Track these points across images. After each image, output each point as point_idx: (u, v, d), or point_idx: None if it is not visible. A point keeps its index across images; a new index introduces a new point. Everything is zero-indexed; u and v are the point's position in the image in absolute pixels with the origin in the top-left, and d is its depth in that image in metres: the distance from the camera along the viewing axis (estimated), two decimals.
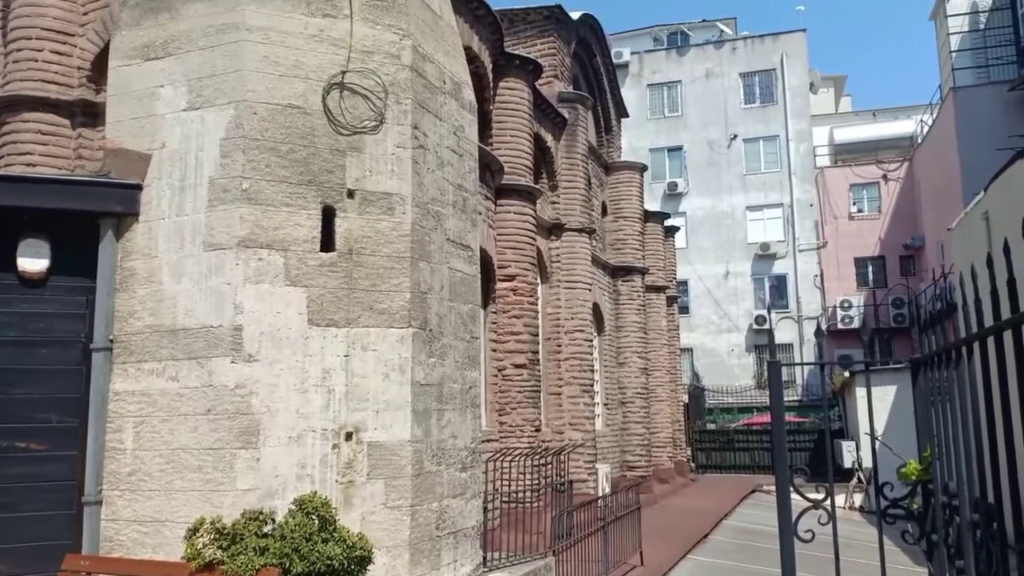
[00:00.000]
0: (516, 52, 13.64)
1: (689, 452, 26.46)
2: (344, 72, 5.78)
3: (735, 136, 33.08)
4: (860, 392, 20.65)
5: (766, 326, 30.49)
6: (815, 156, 32.84)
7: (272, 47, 5.61)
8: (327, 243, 5.61)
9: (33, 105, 8.11)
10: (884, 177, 31.44)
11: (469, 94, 7.16)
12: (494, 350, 12.25)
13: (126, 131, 5.73)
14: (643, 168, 21.26)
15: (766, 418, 27.32)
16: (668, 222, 24.14)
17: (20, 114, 8.12)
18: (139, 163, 5.62)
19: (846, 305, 30.45)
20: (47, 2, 8.33)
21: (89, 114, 8.24)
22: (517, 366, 12.41)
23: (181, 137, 5.57)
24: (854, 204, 32.01)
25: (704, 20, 37.22)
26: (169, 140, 5.60)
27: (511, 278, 12.52)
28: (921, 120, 29.88)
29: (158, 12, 5.82)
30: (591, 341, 15.87)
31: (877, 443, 4.16)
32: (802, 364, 21.72)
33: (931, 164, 27.08)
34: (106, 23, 8.21)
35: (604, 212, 19.57)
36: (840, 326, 30.37)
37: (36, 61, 8.24)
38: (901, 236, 30.34)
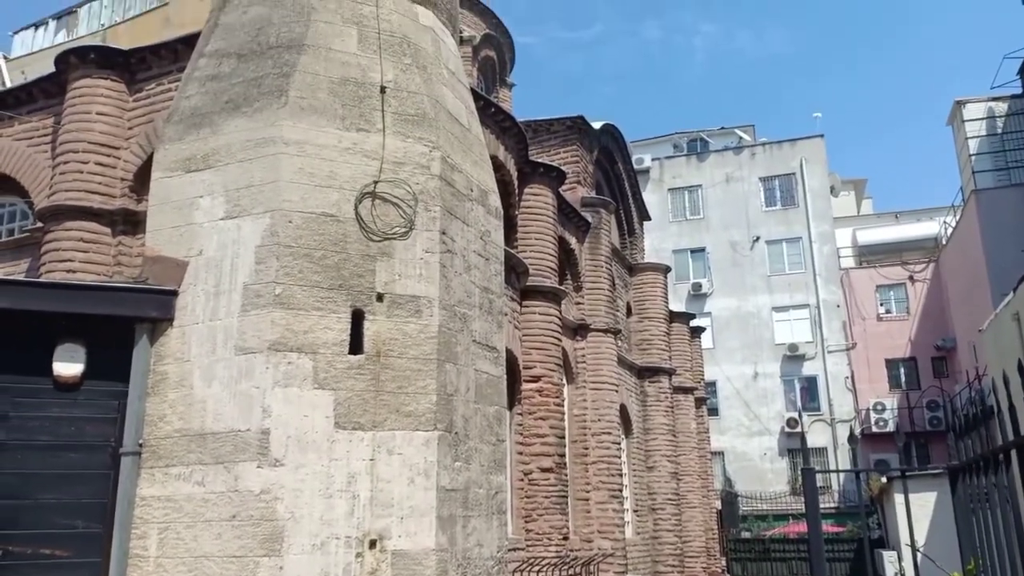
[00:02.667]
0: (540, 160, 14.06)
1: (724, 562, 25.41)
2: (376, 182, 5.99)
3: (758, 238, 33.34)
4: (899, 499, 19.90)
5: (798, 429, 29.78)
6: (839, 257, 32.91)
7: (308, 159, 5.86)
8: (355, 346, 5.68)
9: (76, 214, 8.45)
10: (910, 278, 31.32)
11: (495, 200, 7.36)
12: (520, 453, 12.08)
13: (165, 239, 5.94)
14: (667, 269, 21.42)
15: (803, 526, 26.31)
16: (694, 322, 24.07)
17: (63, 223, 8.46)
18: (176, 270, 5.79)
19: (879, 408, 29.78)
20: (95, 118, 8.81)
21: (129, 222, 8.56)
22: (544, 470, 12.19)
23: (218, 245, 5.76)
24: (881, 305, 31.78)
25: (723, 127, 38.19)
26: (206, 247, 5.79)
27: (537, 379, 12.47)
28: (944, 222, 30.00)
29: (200, 128, 6.13)
30: (619, 444, 15.59)
31: (919, 555, 4.00)
32: (838, 471, 21.09)
33: (957, 265, 26.99)
34: (150, 137, 8.64)
35: (629, 313, 19.60)
36: (875, 429, 29.59)
37: (81, 172, 8.64)
38: (932, 337, 29.92)
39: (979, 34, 67.09)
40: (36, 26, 21.64)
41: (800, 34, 72.93)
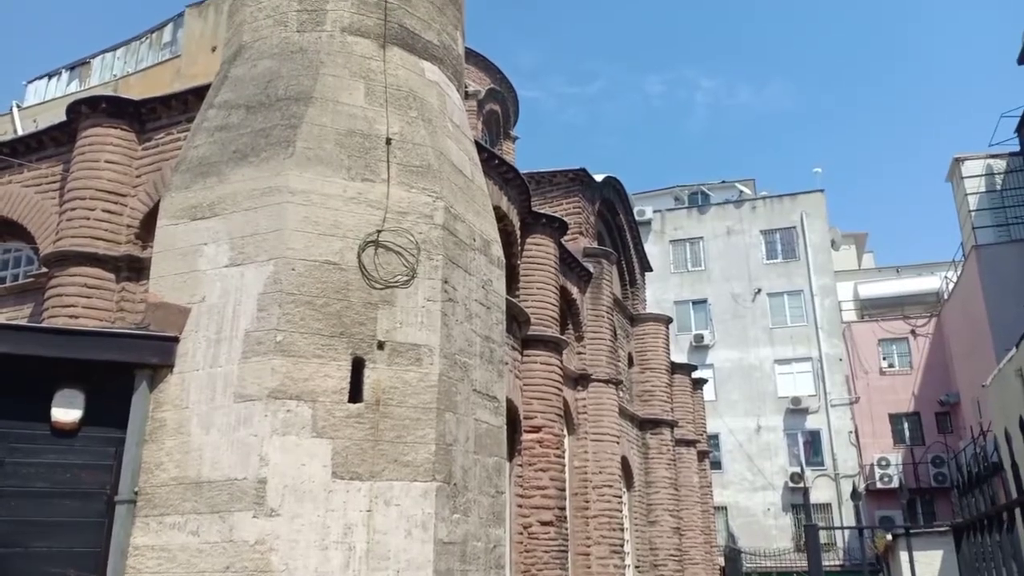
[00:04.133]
0: (543, 211, 14.19)
1: None
2: (379, 231, 6.04)
3: (759, 290, 33.39)
4: (904, 557, 19.53)
5: (802, 484, 29.38)
6: (841, 311, 32.90)
7: (313, 208, 5.92)
8: (355, 394, 5.65)
9: (81, 260, 8.51)
10: (913, 332, 31.27)
11: (498, 250, 7.41)
12: (519, 506, 11.92)
13: (168, 286, 5.97)
14: (668, 320, 21.41)
15: None
16: (696, 374, 23.96)
17: (68, 268, 8.51)
18: (178, 316, 5.81)
19: (884, 463, 29.43)
20: (104, 166, 8.93)
21: (134, 268, 8.61)
22: (543, 523, 12.01)
23: (221, 292, 5.78)
24: (884, 359, 31.66)
25: (723, 181, 38.59)
26: (209, 294, 5.81)
27: (537, 429, 12.37)
28: (945, 276, 30.07)
29: (207, 176, 6.21)
30: (620, 497, 15.39)
31: None
32: (842, 528, 20.74)
33: (959, 320, 26.96)
34: (157, 185, 8.74)
35: (631, 363, 19.53)
36: (879, 485, 29.20)
37: (88, 219, 8.73)
38: (935, 392, 29.73)
39: (976, 92, 68.19)
40: (49, 76, 22.07)
41: (800, 90, 74.18)
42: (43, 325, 7.87)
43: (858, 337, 31.93)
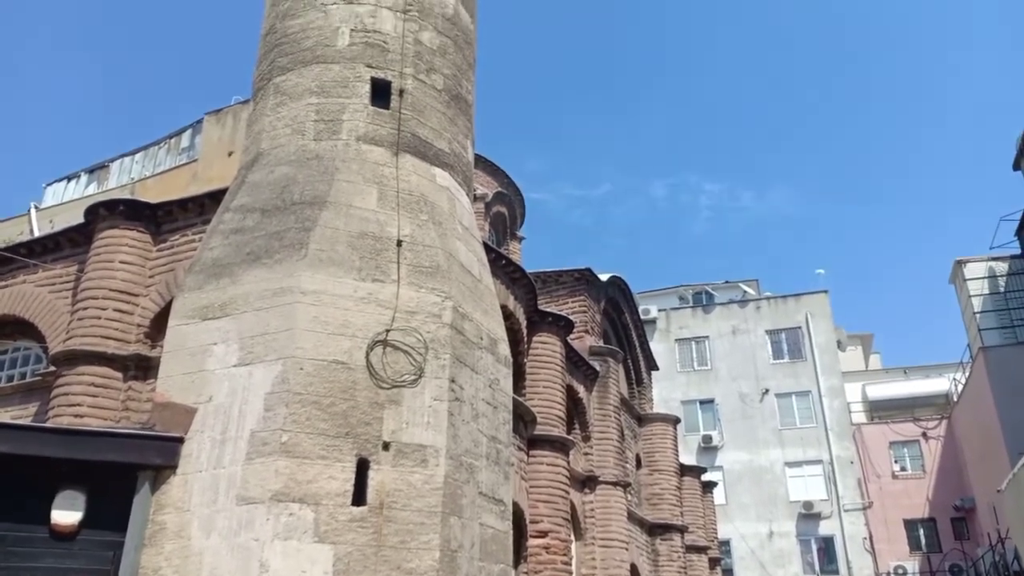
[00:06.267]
0: (549, 310, 14.28)
1: None
2: (388, 330, 6.09)
3: (767, 390, 33.08)
4: None
5: None
6: (850, 412, 32.49)
7: (323, 308, 5.99)
8: (359, 497, 5.56)
9: (90, 359, 8.55)
10: (924, 435, 30.77)
11: (504, 349, 7.43)
12: None
13: (176, 385, 5.98)
14: (676, 420, 21.14)
15: None
16: (705, 476, 23.45)
17: (76, 367, 8.54)
18: (184, 416, 5.79)
19: (900, 571, 28.39)
20: (118, 266, 9.10)
21: (142, 367, 8.64)
22: None
23: (228, 391, 5.79)
24: (896, 462, 31.03)
25: (727, 281, 38.86)
26: (216, 394, 5.81)
27: (544, 534, 12.04)
28: (954, 378, 29.83)
29: (220, 277, 6.32)
30: None
31: None
32: None
33: (970, 422, 26.59)
34: (170, 285, 8.87)
35: (639, 465, 19.17)
36: None
37: (99, 318, 8.82)
38: (950, 496, 28.98)
39: (975, 196, 69.58)
40: (68, 179, 22.73)
41: (800, 195, 75.83)
42: (46, 424, 7.84)
43: (869, 439, 31.40)
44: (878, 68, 72.05)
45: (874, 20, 70.36)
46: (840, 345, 35.68)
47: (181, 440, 5.70)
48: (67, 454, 5.54)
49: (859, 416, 33.26)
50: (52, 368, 9.00)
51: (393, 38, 7.30)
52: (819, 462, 31.29)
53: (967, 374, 26.41)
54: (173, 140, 20.13)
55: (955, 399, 29.42)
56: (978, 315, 24.30)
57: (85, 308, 8.95)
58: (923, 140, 72.27)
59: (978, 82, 68.74)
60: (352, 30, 7.25)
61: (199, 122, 19.03)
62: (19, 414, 9.30)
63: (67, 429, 6.55)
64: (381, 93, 7.12)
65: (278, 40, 7.48)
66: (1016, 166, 24.66)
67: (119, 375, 8.61)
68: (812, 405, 32.31)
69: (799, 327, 33.76)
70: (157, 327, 8.56)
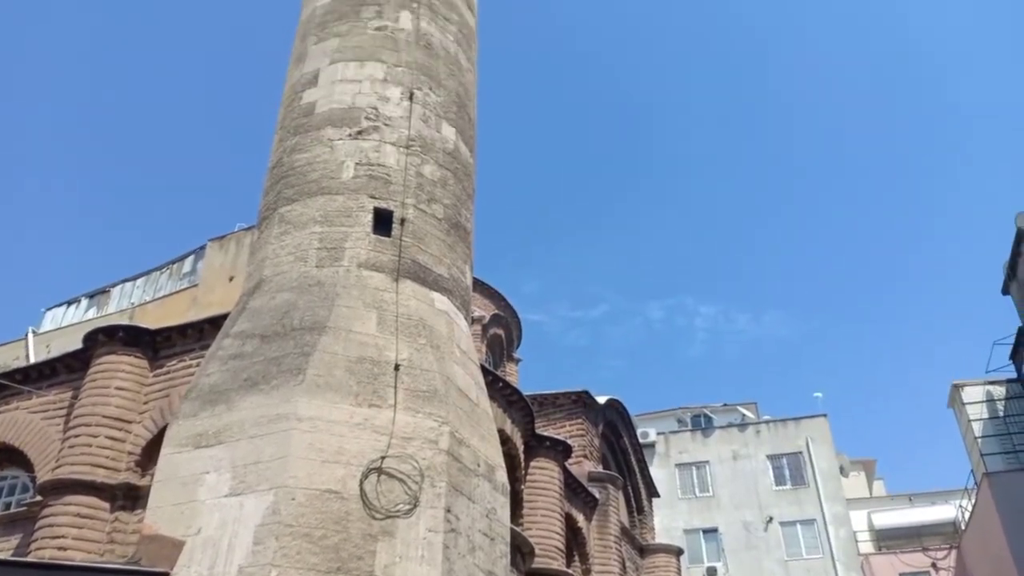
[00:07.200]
0: (546, 433, 14.10)
1: None
2: (383, 457, 6.00)
3: (771, 519, 32.17)
4: None
5: None
6: (857, 541, 31.49)
7: (318, 435, 5.92)
8: None
9: (77, 488, 8.35)
10: (934, 566, 29.68)
11: (502, 476, 7.29)
12: None
13: (165, 516, 5.82)
14: (679, 551, 20.45)
15: None
16: None
17: (63, 497, 8.33)
18: (172, 550, 5.61)
19: None
20: (113, 392, 9.04)
21: (130, 497, 8.43)
22: None
23: (218, 523, 5.63)
24: None
25: (725, 404, 38.56)
26: (206, 526, 5.65)
27: None
28: (960, 505, 29.14)
29: (216, 404, 6.28)
30: None
31: None
32: None
33: (980, 552, 25.74)
34: (164, 412, 8.79)
35: None
36: None
37: (90, 446, 8.69)
38: None
39: (966, 319, 70.31)
40: (68, 303, 22.88)
41: (795, 317, 76.59)
42: (24, 559, 7.57)
43: (877, 570, 30.25)
44: (867, 197, 74.46)
45: (862, 152, 73.35)
46: (843, 471, 35.03)
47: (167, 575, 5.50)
48: None
49: (866, 545, 32.18)
50: (39, 498, 8.78)
51: (396, 171, 7.59)
52: None
53: (973, 501, 25.82)
54: (175, 265, 20.44)
55: (963, 527, 28.61)
56: (980, 440, 24.03)
57: (77, 435, 8.83)
58: (912, 264, 73.78)
59: (966, 208, 70.95)
60: (357, 163, 7.55)
61: (202, 248, 19.38)
62: (1, 546, 8.98)
63: (47, 564, 6.33)
64: (383, 222, 7.33)
65: (285, 172, 7.76)
66: (1005, 290, 25.08)
67: (107, 505, 8.38)
68: (818, 534, 31.33)
69: (800, 452, 33.22)
70: (148, 455, 8.42)
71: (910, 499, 35.67)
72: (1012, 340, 24.32)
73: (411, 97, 8.00)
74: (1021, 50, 62.73)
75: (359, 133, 7.68)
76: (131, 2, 66.57)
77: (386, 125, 7.78)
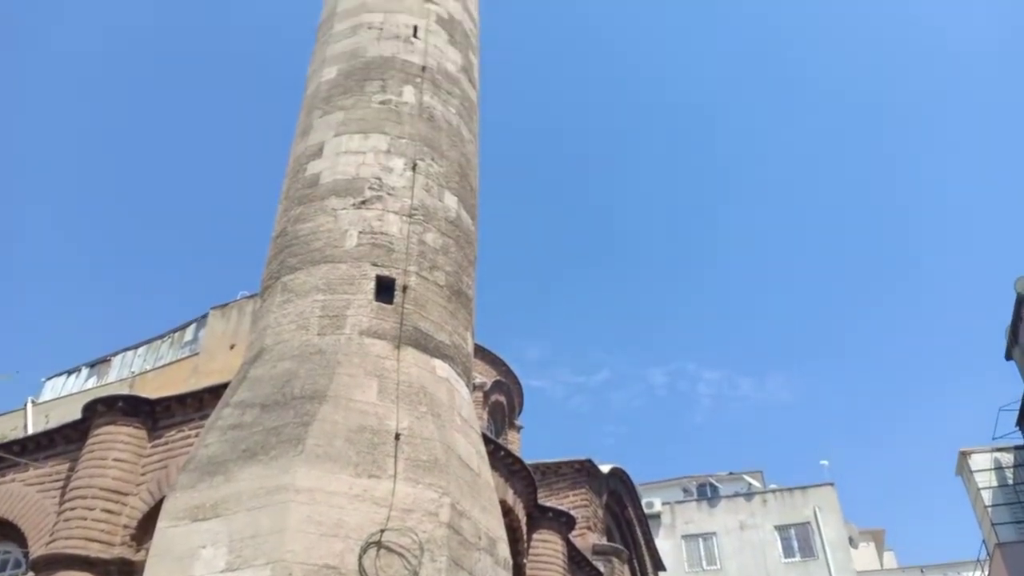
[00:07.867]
0: (549, 503, 13.84)
1: None
2: (383, 531, 5.88)
3: None
4: None
5: None
6: None
7: (316, 507, 5.81)
8: None
9: (71, 563, 8.17)
10: None
11: (504, 550, 7.12)
12: None
13: None
14: None
15: None
16: None
17: (56, 572, 8.14)
18: None
19: None
20: (111, 464, 8.93)
21: (124, 572, 8.24)
22: None
23: None
24: None
25: (731, 472, 37.97)
26: None
27: None
28: None
29: (214, 475, 6.18)
30: None
31: None
32: None
33: None
34: (160, 483, 8.66)
35: None
36: None
37: (86, 519, 8.53)
38: None
39: (971, 385, 69.78)
40: (69, 373, 22.81)
41: (798, 382, 76.07)
42: None
43: None
44: (869, 264, 74.88)
45: (863, 219, 74.08)
46: (852, 542, 34.24)
47: None
48: None
49: None
50: (31, 574, 8.57)
51: (398, 239, 7.66)
52: None
53: (986, 573, 25.16)
54: (177, 334, 20.44)
55: None
56: (990, 509, 23.56)
57: (72, 508, 8.68)
58: (914, 328, 73.65)
59: (966, 273, 71.23)
60: (360, 232, 7.62)
61: (204, 317, 19.42)
62: None
63: None
64: (385, 289, 7.36)
65: (288, 241, 7.83)
66: (1008, 356, 24.97)
67: None
68: None
69: (808, 522, 32.53)
70: (144, 528, 8.25)
71: (922, 571, 34.77)
72: (1018, 406, 24.10)
73: (414, 167, 8.14)
74: (1017, 114, 64.01)
75: (362, 203, 7.79)
76: (136, 69, 68.29)
77: (389, 194, 7.89)
